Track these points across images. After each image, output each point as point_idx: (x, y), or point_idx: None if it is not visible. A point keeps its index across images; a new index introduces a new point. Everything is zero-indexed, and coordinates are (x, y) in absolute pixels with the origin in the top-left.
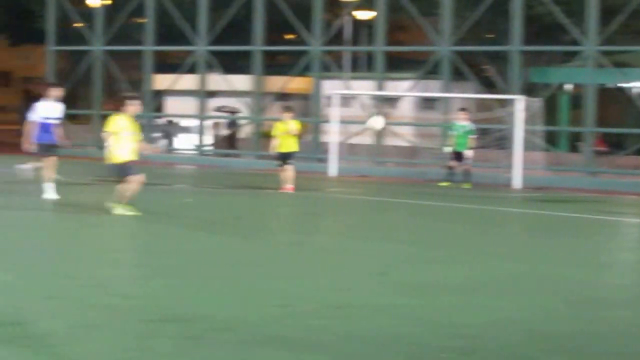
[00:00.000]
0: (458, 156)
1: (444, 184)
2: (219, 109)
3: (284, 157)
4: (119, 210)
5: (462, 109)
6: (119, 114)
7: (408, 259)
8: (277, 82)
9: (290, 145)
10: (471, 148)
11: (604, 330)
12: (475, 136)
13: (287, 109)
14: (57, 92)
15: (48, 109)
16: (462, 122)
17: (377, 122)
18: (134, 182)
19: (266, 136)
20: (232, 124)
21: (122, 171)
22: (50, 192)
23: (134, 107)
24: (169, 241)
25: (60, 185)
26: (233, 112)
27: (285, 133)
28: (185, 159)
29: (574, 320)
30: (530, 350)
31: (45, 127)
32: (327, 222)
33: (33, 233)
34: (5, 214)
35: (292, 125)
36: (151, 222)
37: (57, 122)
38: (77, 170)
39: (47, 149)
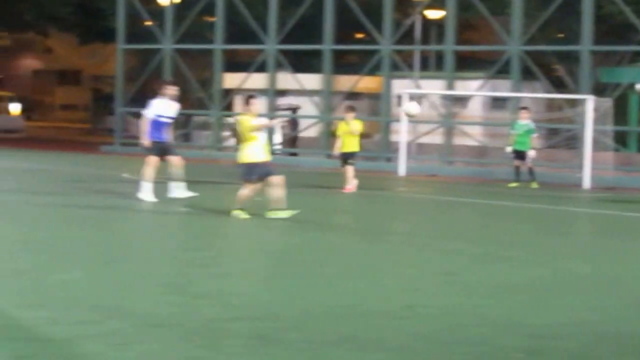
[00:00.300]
0: (520, 155)
1: (513, 184)
2: (279, 107)
3: (346, 157)
4: (239, 214)
5: (524, 108)
6: (245, 115)
7: (477, 259)
8: (346, 82)
9: (352, 145)
10: (533, 147)
11: None
12: (536, 135)
13: (350, 108)
14: (173, 90)
15: (163, 107)
16: (524, 121)
17: (412, 107)
18: (276, 184)
19: (335, 135)
20: (294, 123)
21: (253, 172)
22: (147, 193)
23: (256, 105)
24: (241, 240)
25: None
26: (294, 109)
27: (348, 133)
28: None
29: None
30: (599, 351)
31: (158, 126)
32: (394, 222)
33: (103, 231)
34: (131, 215)
35: (354, 125)
36: (222, 220)
37: (170, 121)
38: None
39: (157, 148)
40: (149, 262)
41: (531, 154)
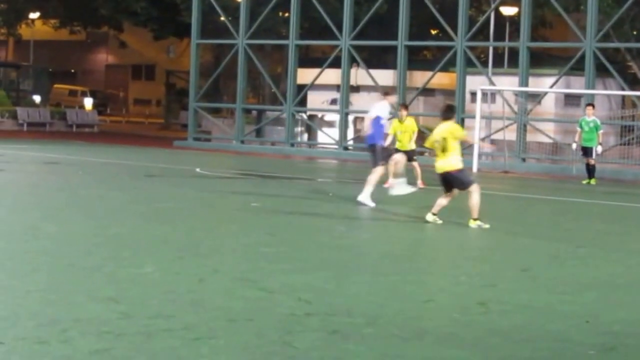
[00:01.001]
0: (587, 152)
1: (586, 181)
2: (332, 102)
3: (408, 155)
4: (475, 224)
5: (589, 104)
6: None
7: (551, 256)
8: (420, 77)
9: (406, 143)
10: (600, 143)
11: None
12: (602, 131)
13: (404, 106)
14: (394, 98)
15: (385, 111)
16: (590, 118)
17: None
18: (475, 191)
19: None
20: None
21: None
22: (402, 187)
23: (393, 99)
24: (316, 234)
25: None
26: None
27: (402, 131)
28: (327, 153)
29: None
30: None
31: (380, 129)
32: (469, 218)
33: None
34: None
35: (409, 122)
36: (298, 216)
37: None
38: (222, 163)
39: (384, 152)
40: (224, 256)
41: (598, 150)
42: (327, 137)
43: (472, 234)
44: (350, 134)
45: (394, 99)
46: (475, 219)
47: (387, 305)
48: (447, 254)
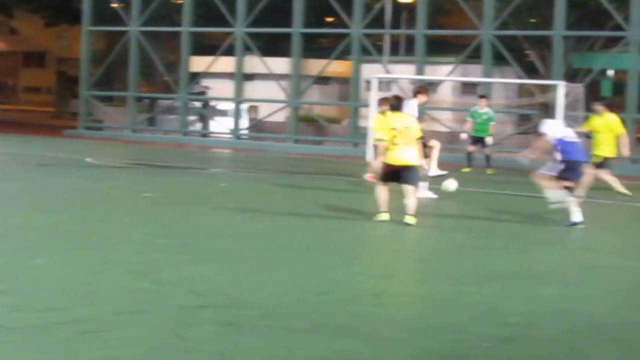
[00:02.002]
0: (477, 141)
1: (466, 169)
2: (199, 92)
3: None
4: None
5: (482, 96)
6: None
7: (451, 246)
8: (315, 66)
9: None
10: (491, 135)
11: None
12: (494, 123)
13: (384, 101)
14: (425, 97)
15: (415, 110)
16: (483, 109)
17: (451, 184)
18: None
19: (305, 120)
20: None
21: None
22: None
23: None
24: (210, 225)
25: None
26: (202, 92)
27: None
28: (221, 142)
29: (624, 311)
30: (571, 339)
31: None
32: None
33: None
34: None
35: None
36: (194, 207)
37: None
38: (113, 153)
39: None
40: (117, 248)
41: (489, 140)
42: (220, 125)
43: (372, 226)
44: (245, 123)
45: (424, 98)
46: (412, 216)
47: (282, 297)
48: (345, 246)
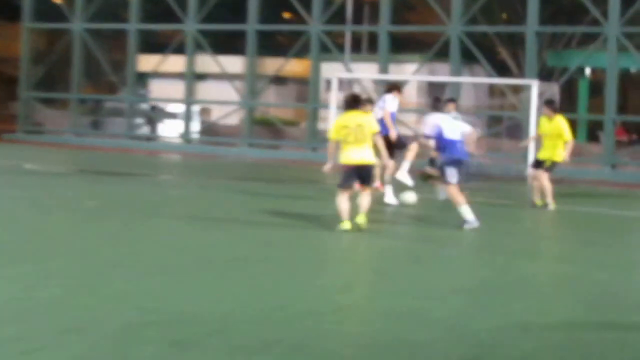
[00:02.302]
0: None
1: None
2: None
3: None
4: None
5: (451, 100)
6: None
7: (414, 258)
8: (272, 65)
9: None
10: None
11: (627, 337)
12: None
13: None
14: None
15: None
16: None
17: (409, 197)
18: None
19: (261, 123)
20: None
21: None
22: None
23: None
24: (158, 236)
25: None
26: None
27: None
28: (171, 147)
29: (592, 326)
30: (540, 356)
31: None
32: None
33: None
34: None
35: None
36: (140, 217)
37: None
38: (55, 158)
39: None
40: (55, 261)
41: None
42: (170, 129)
43: (332, 236)
44: (196, 126)
45: (398, 96)
46: (364, 215)
47: (234, 313)
48: (303, 257)
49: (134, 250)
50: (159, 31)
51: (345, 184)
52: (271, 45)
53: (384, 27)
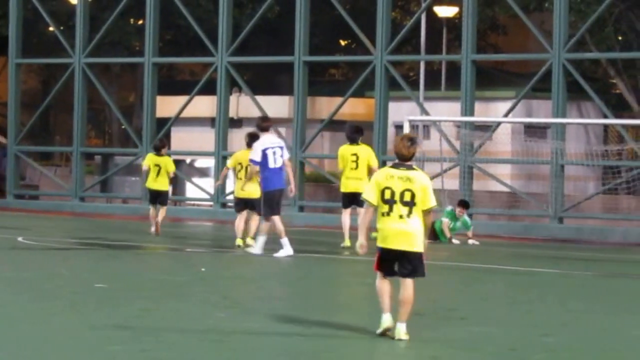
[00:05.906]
0: None
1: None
2: None
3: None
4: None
5: (463, 203)
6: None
7: None
8: (326, 105)
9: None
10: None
11: None
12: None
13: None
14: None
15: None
16: (460, 216)
17: None
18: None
19: (313, 180)
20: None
21: None
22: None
23: None
24: (189, 325)
25: None
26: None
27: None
28: (200, 212)
29: None
30: None
31: None
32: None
33: None
34: None
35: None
36: (150, 298)
37: None
38: (54, 229)
39: None
40: (57, 356)
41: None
42: (199, 190)
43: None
44: (230, 185)
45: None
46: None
47: None
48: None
49: (151, 337)
50: (182, 65)
51: (237, 209)
52: (325, 81)
53: (468, 55)
